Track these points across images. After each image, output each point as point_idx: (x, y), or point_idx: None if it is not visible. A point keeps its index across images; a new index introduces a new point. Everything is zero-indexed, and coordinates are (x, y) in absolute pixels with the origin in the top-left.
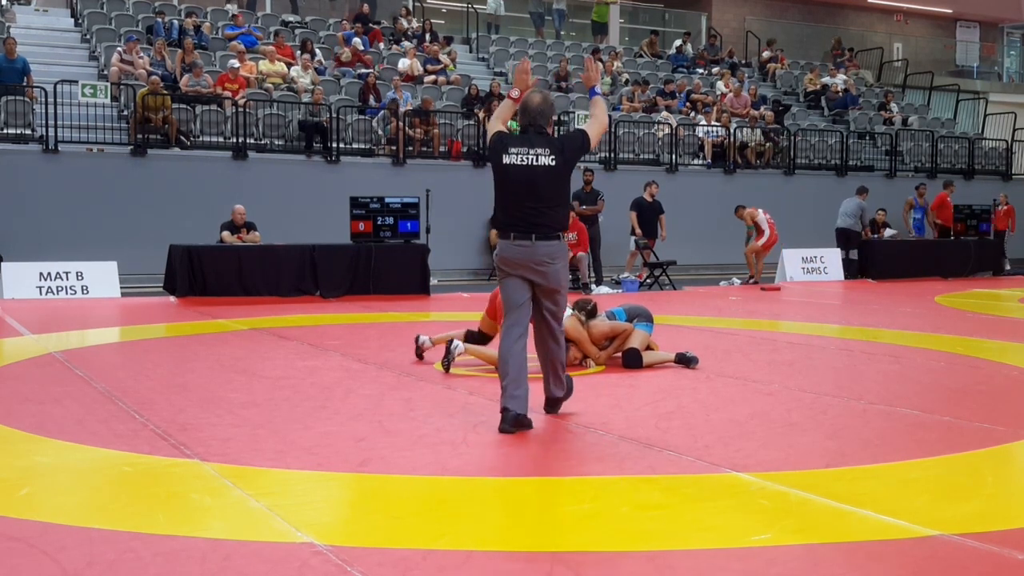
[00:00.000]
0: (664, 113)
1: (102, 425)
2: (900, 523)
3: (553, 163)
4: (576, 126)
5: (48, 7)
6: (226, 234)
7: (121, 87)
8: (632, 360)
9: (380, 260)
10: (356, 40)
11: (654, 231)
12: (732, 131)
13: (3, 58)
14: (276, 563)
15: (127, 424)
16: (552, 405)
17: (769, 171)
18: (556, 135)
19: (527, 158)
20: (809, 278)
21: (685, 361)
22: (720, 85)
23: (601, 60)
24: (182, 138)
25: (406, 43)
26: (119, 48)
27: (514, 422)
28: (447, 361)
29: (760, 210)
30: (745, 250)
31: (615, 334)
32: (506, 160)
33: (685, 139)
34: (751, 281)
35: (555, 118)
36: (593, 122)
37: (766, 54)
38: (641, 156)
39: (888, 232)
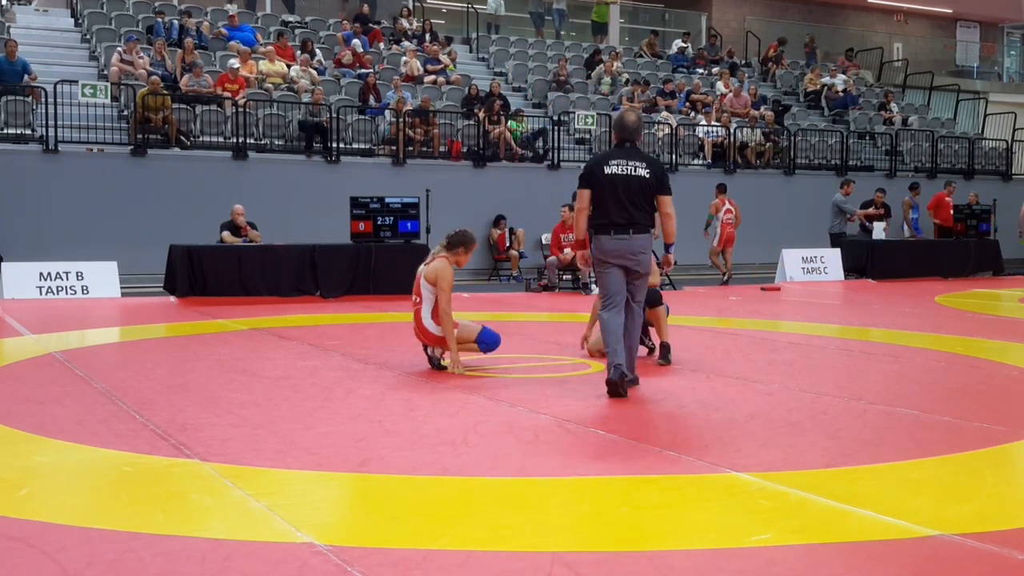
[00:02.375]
0: (664, 113)
1: (102, 425)
2: (900, 523)
3: (647, 175)
4: (575, 126)
5: (48, 7)
6: (226, 234)
7: (121, 87)
8: (652, 295)
9: (380, 260)
10: (356, 41)
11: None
12: (732, 131)
13: (4, 60)
14: (276, 563)
15: (127, 424)
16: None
17: (769, 171)
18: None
19: (626, 168)
20: (809, 278)
21: (664, 354)
22: (720, 85)
23: (602, 60)
24: (182, 138)
25: (406, 43)
26: (119, 48)
27: (620, 374)
28: (436, 360)
29: (727, 202)
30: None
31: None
32: (608, 171)
33: (685, 139)
34: (725, 280)
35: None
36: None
37: (773, 52)
38: None
39: (878, 226)
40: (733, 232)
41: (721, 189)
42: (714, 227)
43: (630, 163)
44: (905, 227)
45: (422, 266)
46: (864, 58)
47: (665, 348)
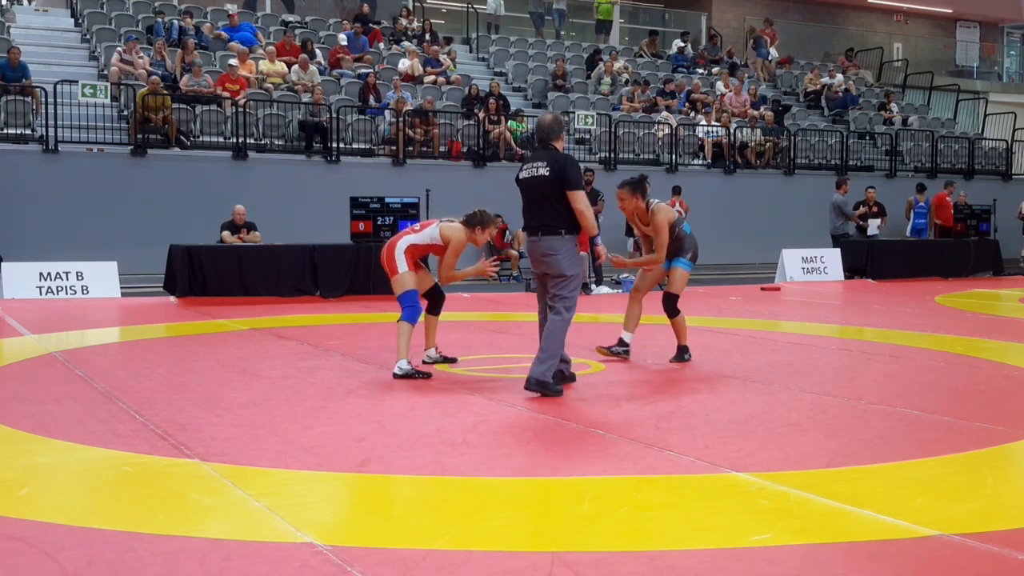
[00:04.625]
0: (664, 113)
1: (102, 425)
2: (900, 523)
3: (548, 174)
4: (576, 126)
5: (48, 7)
6: (226, 234)
7: (121, 87)
8: (673, 306)
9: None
10: (342, 36)
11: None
12: (732, 131)
13: (7, 65)
14: (276, 563)
15: (127, 424)
16: (530, 381)
17: (769, 171)
18: (562, 152)
19: (531, 170)
20: (809, 278)
21: (680, 353)
22: (720, 85)
23: (601, 60)
24: (182, 138)
25: (407, 43)
26: (119, 48)
27: (533, 383)
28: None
29: (677, 203)
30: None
31: (657, 240)
32: (521, 175)
33: (685, 139)
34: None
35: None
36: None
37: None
38: (641, 156)
39: (873, 223)
40: None
41: (675, 191)
42: None
43: (535, 164)
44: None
45: (440, 220)
46: (864, 58)
47: (680, 349)
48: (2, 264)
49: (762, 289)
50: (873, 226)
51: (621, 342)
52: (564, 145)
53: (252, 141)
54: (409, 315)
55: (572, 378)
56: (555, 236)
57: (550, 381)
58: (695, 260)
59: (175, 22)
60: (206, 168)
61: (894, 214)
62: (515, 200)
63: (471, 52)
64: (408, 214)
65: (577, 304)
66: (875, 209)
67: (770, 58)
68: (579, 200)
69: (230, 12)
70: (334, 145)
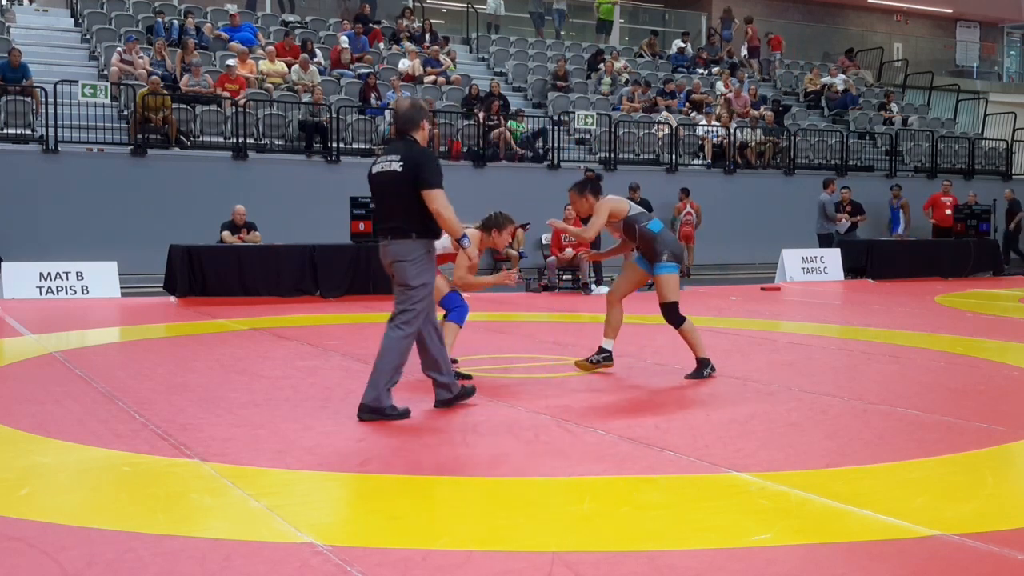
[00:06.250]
0: (664, 113)
1: (102, 425)
2: (900, 523)
3: (400, 169)
4: (576, 126)
5: (48, 7)
6: (226, 234)
7: (121, 87)
8: (673, 316)
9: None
10: (343, 38)
11: None
12: (732, 131)
13: (7, 66)
14: (276, 563)
15: (127, 424)
16: (362, 409)
17: (769, 171)
18: (417, 147)
19: (385, 164)
20: (809, 278)
21: (700, 368)
22: (720, 85)
23: (603, 60)
24: (182, 138)
25: (407, 43)
26: (119, 48)
27: (365, 410)
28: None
29: (688, 204)
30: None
31: (593, 219)
32: (373, 170)
33: (685, 139)
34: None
35: (428, 124)
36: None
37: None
38: (641, 156)
39: (843, 224)
40: (691, 231)
41: (684, 192)
42: (675, 227)
43: (389, 157)
44: (900, 227)
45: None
46: (864, 58)
47: (700, 364)
48: (2, 264)
49: (762, 289)
50: (846, 223)
51: (601, 350)
52: (427, 135)
53: (252, 141)
54: (456, 316)
55: (471, 392)
56: (405, 240)
57: (386, 406)
58: (679, 260)
59: (175, 22)
60: (206, 168)
61: (882, 217)
62: (516, 200)
63: (471, 52)
64: None
65: (421, 318)
66: (848, 209)
67: (744, 54)
68: (435, 200)
69: (230, 12)
70: (334, 145)
